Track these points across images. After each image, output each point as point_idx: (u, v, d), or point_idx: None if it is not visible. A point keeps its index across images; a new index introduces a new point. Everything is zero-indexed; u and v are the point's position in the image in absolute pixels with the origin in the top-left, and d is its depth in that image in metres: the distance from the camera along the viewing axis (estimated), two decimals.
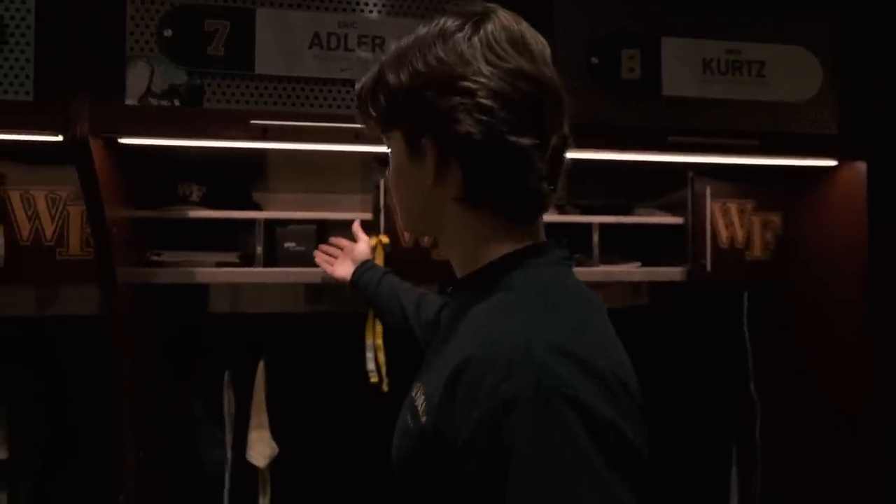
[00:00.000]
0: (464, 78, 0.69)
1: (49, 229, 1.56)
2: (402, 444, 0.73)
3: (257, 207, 1.86)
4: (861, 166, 1.65)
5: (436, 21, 0.74)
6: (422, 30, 0.75)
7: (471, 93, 0.69)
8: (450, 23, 0.72)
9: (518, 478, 0.58)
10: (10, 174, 1.55)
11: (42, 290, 1.80)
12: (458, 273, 0.80)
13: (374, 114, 0.78)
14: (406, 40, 0.75)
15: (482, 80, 0.69)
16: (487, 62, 0.70)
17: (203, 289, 1.88)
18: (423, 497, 0.71)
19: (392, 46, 0.77)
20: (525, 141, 0.69)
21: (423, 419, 0.68)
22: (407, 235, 1.66)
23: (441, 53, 0.71)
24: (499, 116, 0.69)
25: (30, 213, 1.56)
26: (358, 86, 0.80)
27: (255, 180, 1.93)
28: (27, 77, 1.29)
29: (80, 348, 1.76)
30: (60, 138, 1.32)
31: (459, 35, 0.71)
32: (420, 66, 0.72)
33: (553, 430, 0.58)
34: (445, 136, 0.71)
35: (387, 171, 0.83)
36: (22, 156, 1.54)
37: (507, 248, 0.74)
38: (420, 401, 0.70)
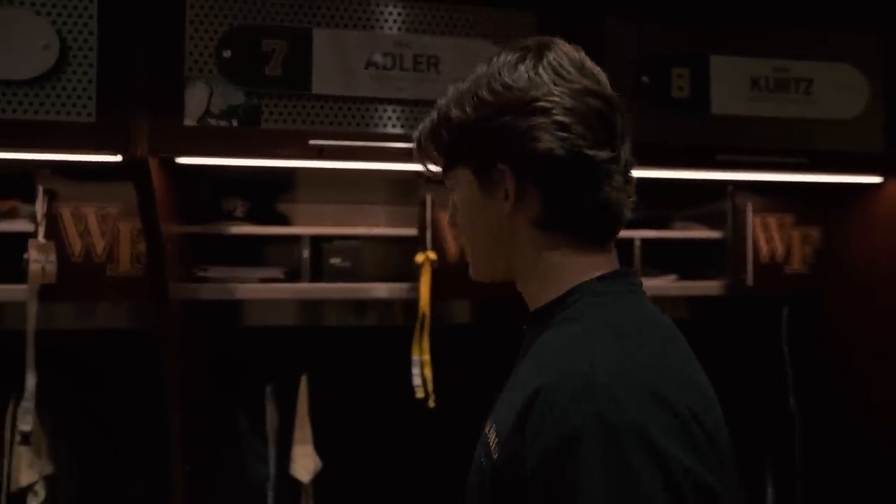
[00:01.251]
0: (537, 99, 0.71)
1: (99, 246, 1.57)
2: (475, 483, 0.72)
3: (286, 221, 1.86)
4: None
5: (495, 57, 0.76)
6: (481, 68, 0.77)
7: (546, 112, 0.71)
8: (511, 56, 0.75)
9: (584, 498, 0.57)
10: (62, 191, 1.55)
11: (87, 305, 1.80)
12: (531, 305, 0.79)
13: (436, 154, 0.80)
14: (464, 81, 0.77)
15: (555, 98, 0.71)
16: (556, 84, 0.72)
17: (247, 303, 1.88)
18: None
19: (449, 90, 0.79)
20: (603, 154, 0.71)
21: (495, 456, 0.67)
22: (454, 250, 1.67)
23: (509, 80, 0.73)
24: (576, 132, 0.70)
25: (80, 230, 1.56)
26: (416, 132, 0.82)
27: (285, 192, 1.93)
28: (89, 98, 1.30)
29: (123, 362, 1.76)
30: (120, 158, 1.33)
31: (523, 65, 0.73)
32: (487, 95, 0.73)
33: (616, 468, 0.56)
34: (523, 159, 0.72)
35: (450, 214, 0.83)
36: (72, 172, 1.55)
37: (580, 275, 0.74)
38: (492, 437, 0.69)
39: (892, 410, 1.70)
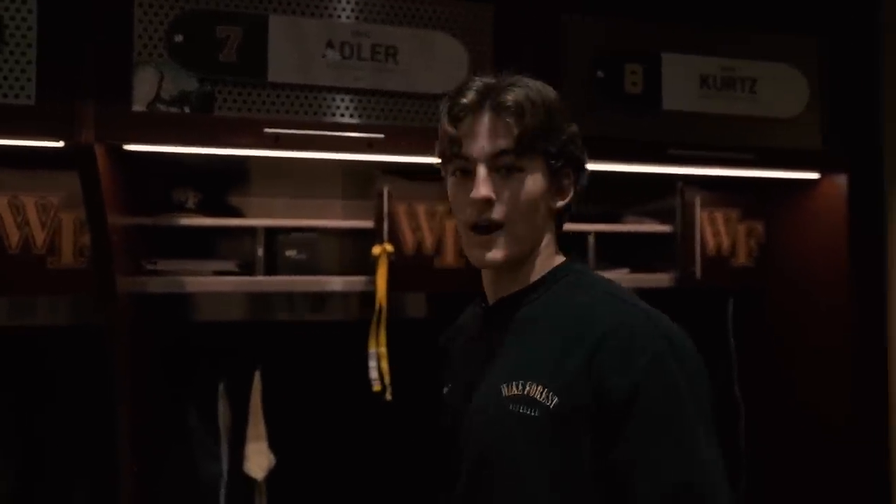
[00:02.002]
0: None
1: (39, 237, 1.50)
2: (519, 436, 0.81)
3: (238, 213, 1.82)
4: (842, 179, 1.74)
5: (536, 81, 0.88)
6: (547, 89, 0.88)
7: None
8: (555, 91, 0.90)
9: (681, 406, 0.77)
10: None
11: (26, 300, 1.72)
12: (513, 285, 0.90)
13: (523, 132, 0.85)
14: (546, 89, 0.88)
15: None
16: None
17: (199, 297, 1.83)
18: (549, 477, 0.80)
19: (540, 89, 0.88)
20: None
21: (554, 401, 0.79)
22: (411, 243, 1.66)
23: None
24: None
25: (18, 221, 1.49)
26: (522, 98, 0.85)
27: (238, 184, 1.88)
28: (28, 80, 1.24)
29: (67, 359, 1.69)
30: (62, 144, 1.27)
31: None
32: (571, 122, 0.90)
33: (687, 373, 0.79)
34: (580, 166, 0.91)
35: (505, 190, 0.85)
36: (11, 159, 1.47)
37: (558, 258, 0.92)
38: (534, 390, 0.81)
39: (828, 400, 1.78)
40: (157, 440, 1.64)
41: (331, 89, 1.38)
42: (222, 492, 1.72)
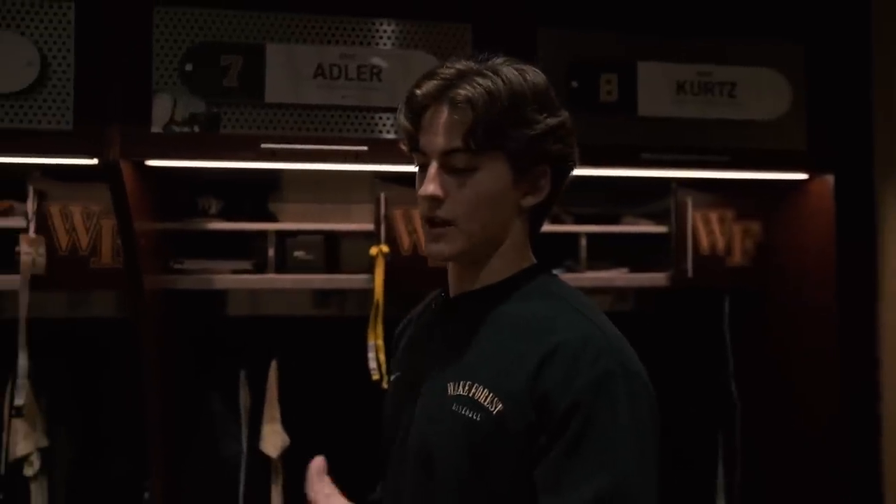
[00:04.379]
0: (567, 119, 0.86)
1: (84, 240, 1.74)
2: (460, 438, 0.78)
3: (273, 217, 2.02)
4: (829, 179, 1.76)
5: (525, 72, 0.82)
6: (510, 71, 0.81)
7: (573, 132, 0.86)
8: (540, 77, 0.84)
9: (613, 430, 0.73)
10: (51, 191, 1.73)
11: (76, 295, 1.98)
12: (479, 280, 0.86)
13: (474, 126, 0.79)
14: (517, 79, 0.81)
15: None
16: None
17: (221, 293, 2.04)
18: (487, 484, 0.77)
19: (511, 78, 0.80)
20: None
21: (499, 407, 0.76)
22: (406, 245, 1.81)
23: (555, 98, 0.85)
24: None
25: (67, 226, 1.74)
26: (467, 93, 0.79)
27: (272, 192, 2.09)
28: (67, 109, 1.47)
29: (110, 348, 1.94)
30: (96, 161, 1.50)
31: (552, 90, 0.85)
32: (560, 112, 0.84)
33: (634, 400, 0.75)
34: (562, 163, 0.85)
35: (457, 187, 0.81)
36: (60, 174, 1.72)
37: (528, 259, 0.87)
38: (480, 393, 0.78)
39: (819, 397, 1.80)
40: (184, 422, 1.86)
41: (321, 107, 1.55)
42: (242, 468, 1.92)
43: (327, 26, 1.57)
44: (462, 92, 0.79)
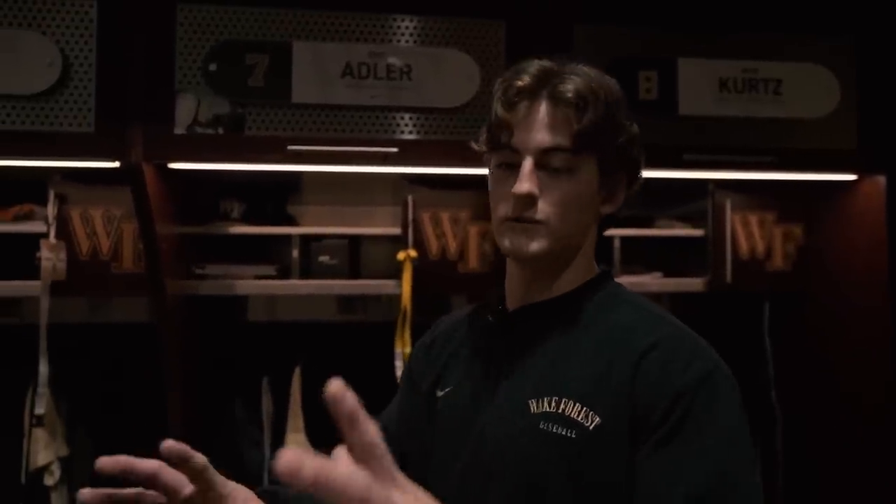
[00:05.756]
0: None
1: (105, 245, 1.70)
2: (554, 457, 0.74)
3: (293, 220, 1.97)
4: (880, 179, 1.67)
5: (604, 75, 0.81)
6: (600, 75, 0.80)
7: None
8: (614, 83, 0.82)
9: (717, 424, 0.71)
10: (71, 195, 1.69)
11: (96, 300, 1.94)
12: (548, 291, 0.83)
13: (585, 140, 0.77)
14: (611, 81, 0.81)
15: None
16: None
17: (243, 298, 2.00)
18: (590, 499, 0.73)
19: (601, 80, 0.80)
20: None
21: (595, 421, 0.73)
22: (435, 249, 1.75)
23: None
24: None
25: (88, 231, 1.70)
26: (578, 89, 0.76)
27: (292, 194, 2.04)
28: (89, 110, 1.42)
29: (131, 354, 1.89)
30: (117, 164, 1.45)
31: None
32: (632, 121, 0.83)
33: (733, 398, 0.73)
34: (636, 172, 0.84)
35: (550, 187, 0.78)
36: (80, 177, 1.68)
37: (594, 269, 0.85)
38: (571, 409, 0.75)
39: (870, 405, 1.72)
40: (206, 429, 1.82)
41: (349, 108, 1.49)
42: (265, 476, 1.87)
43: (356, 23, 1.51)
44: (569, 86, 0.76)
